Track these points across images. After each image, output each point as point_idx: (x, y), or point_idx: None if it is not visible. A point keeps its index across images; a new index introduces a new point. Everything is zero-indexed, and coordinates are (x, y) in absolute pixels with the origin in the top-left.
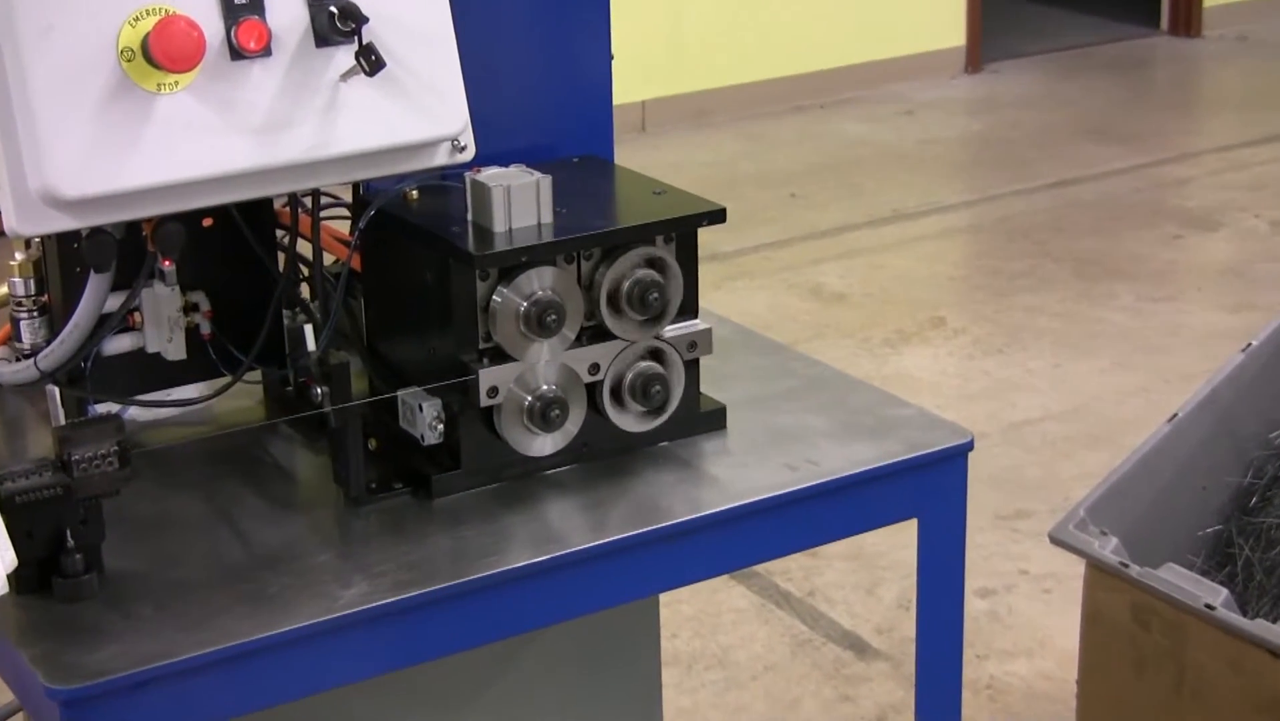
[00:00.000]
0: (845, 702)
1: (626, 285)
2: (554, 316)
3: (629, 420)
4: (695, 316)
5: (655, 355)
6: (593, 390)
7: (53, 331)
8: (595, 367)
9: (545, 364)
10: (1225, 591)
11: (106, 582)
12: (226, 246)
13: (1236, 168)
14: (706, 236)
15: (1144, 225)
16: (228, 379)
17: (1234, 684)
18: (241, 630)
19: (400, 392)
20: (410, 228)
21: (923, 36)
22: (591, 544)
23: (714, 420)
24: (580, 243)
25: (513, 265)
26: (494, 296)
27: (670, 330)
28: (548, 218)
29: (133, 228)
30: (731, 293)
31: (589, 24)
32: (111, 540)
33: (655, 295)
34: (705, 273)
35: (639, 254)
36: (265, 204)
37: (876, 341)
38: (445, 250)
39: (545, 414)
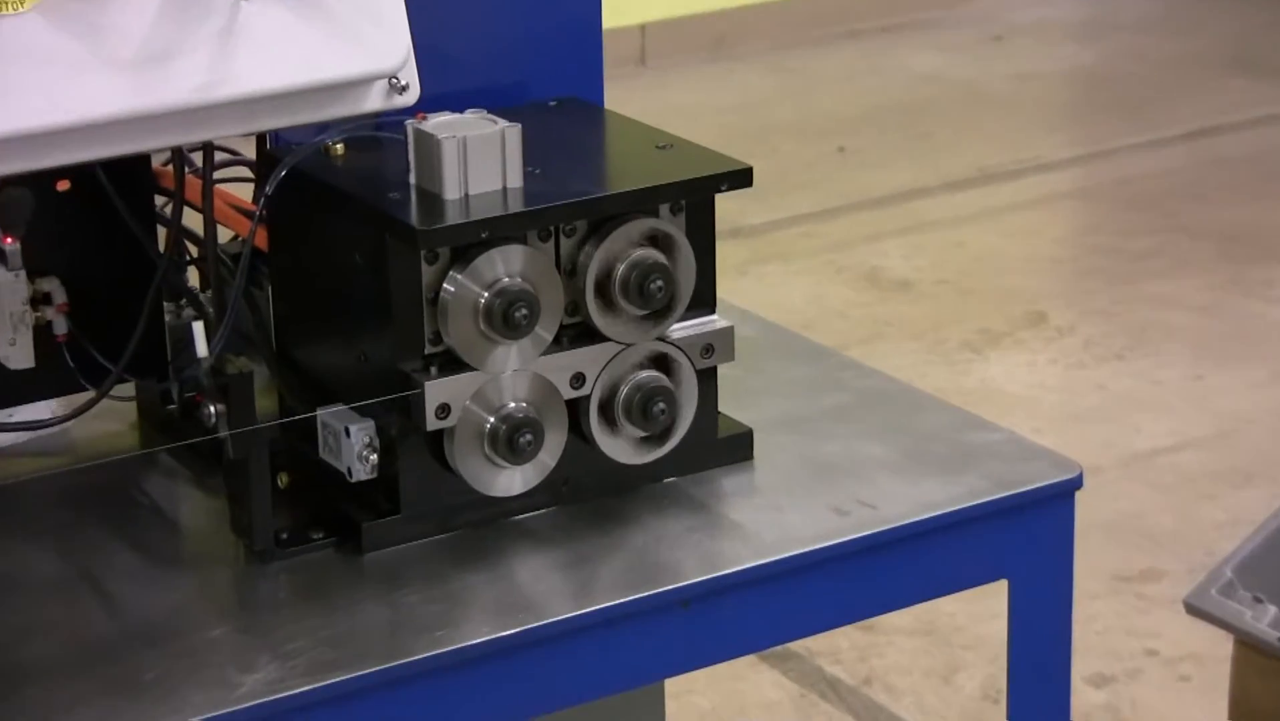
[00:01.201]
0: None
1: (621, 270)
2: (524, 311)
3: (624, 449)
4: (712, 311)
5: (659, 362)
6: (576, 409)
7: None
8: (579, 379)
9: (513, 374)
10: None
11: None
12: (89, 219)
13: None
14: (727, 205)
15: None
16: (90, 394)
17: None
18: None
19: (320, 412)
20: (333, 194)
21: None
22: (574, 613)
23: (737, 449)
24: (559, 213)
25: (469, 243)
26: (445, 285)
27: (679, 329)
28: (516, 180)
29: None
30: (760, 280)
31: None
32: None
33: (659, 283)
34: (725, 253)
35: (637, 228)
36: (141, 162)
37: (953, 344)
38: (380, 223)
39: (513, 440)
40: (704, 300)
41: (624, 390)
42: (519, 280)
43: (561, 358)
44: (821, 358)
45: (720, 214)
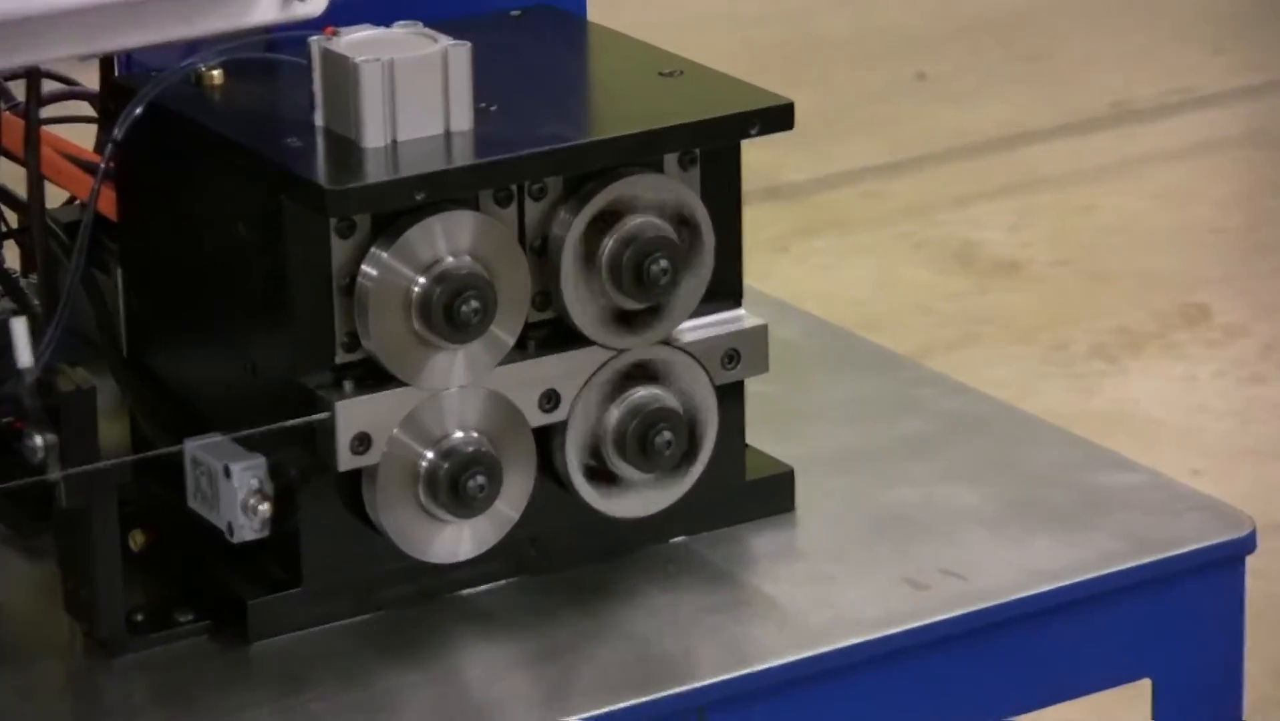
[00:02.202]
0: None
1: (610, 246)
2: (475, 304)
3: (615, 496)
4: (737, 304)
5: (664, 376)
6: (548, 441)
7: None
8: (552, 399)
9: (460, 392)
10: None
11: None
12: None
13: None
14: (760, 155)
15: None
16: None
17: None
18: None
19: (190, 445)
20: (207, 139)
21: None
22: None
23: (773, 496)
24: (525, 167)
25: (398, 209)
26: (364, 267)
27: (692, 330)
28: (463, 121)
29: None
30: (807, 259)
31: None
32: None
33: (663, 264)
34: (758, 223)
35: (634, 189)
36: None
37: (1079, 349)
38: (272, 180)
39: (459, 485)
40: (727, 288)
41: (615, 414)
42: (468, 260)
43: (527, 368)
44: (891, 369)
45: (750, 167)
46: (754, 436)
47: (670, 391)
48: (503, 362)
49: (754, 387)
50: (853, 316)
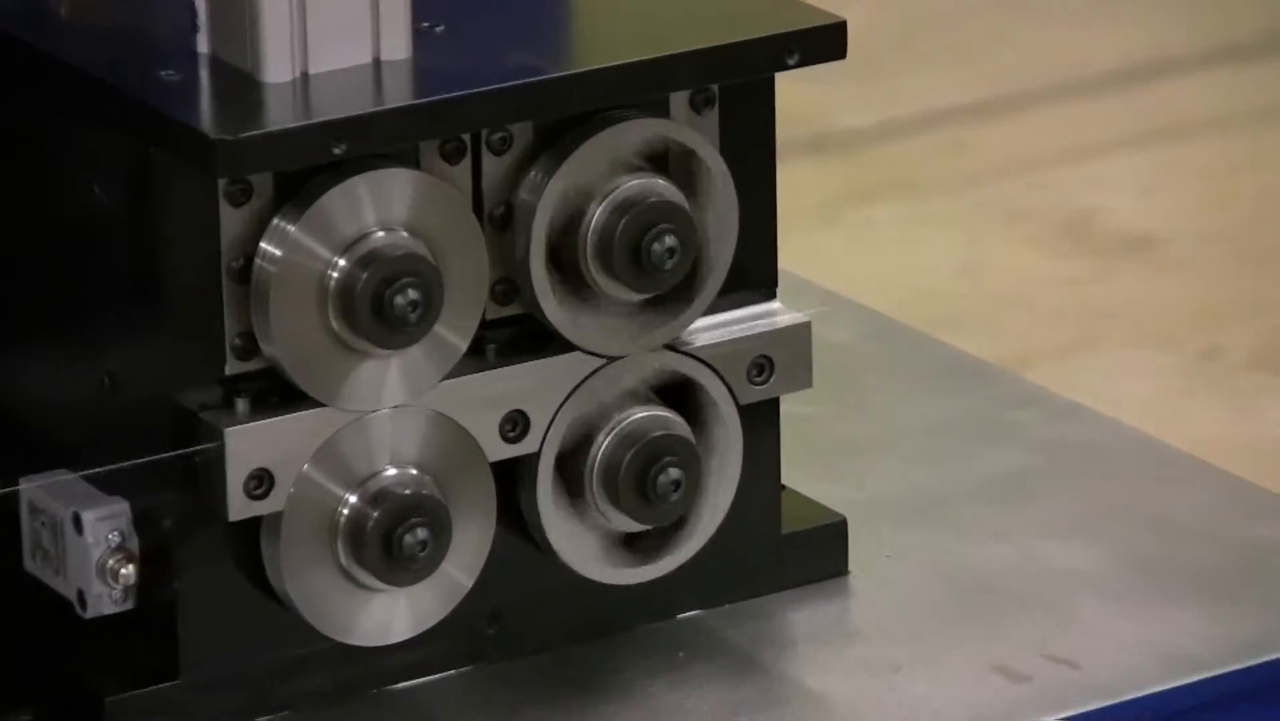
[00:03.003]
0: None
1: (598, 217)
2: (414, 295)
3: (606, 555)
4: (771, 294)
5: (671, 392)
6: (514, 480)
7: None
8: (519, 424)
9: (394, 414)
10: None
11: None
12: None
13: None
14: (801, 93)
15: None
16: None
17: None
18: None
19: (27, 485)
20: (52, 72)
21: None
22: None
23: (818, 556)
24: (482, 110)
25: (310, 166)
26: (266, 245)
27: (709, 330)
28: (399, 47)
29: None
30: (865, 234)
31: None
32: None
33: (669, 242)
34: (800, 184)
35: (628, 138)
36: None
37: (1235, 357)
38: (140, 126)
39: (392, 540)
40: (755, 274)
41: (605, 445)
42: (404, 237)
43: (485, 383)
44: (978, 383)
45: (788, 110)
46: (793, 475)
47: (679, 413)
48: (451, 375)
49: (793, 408)
50: (927, 312)
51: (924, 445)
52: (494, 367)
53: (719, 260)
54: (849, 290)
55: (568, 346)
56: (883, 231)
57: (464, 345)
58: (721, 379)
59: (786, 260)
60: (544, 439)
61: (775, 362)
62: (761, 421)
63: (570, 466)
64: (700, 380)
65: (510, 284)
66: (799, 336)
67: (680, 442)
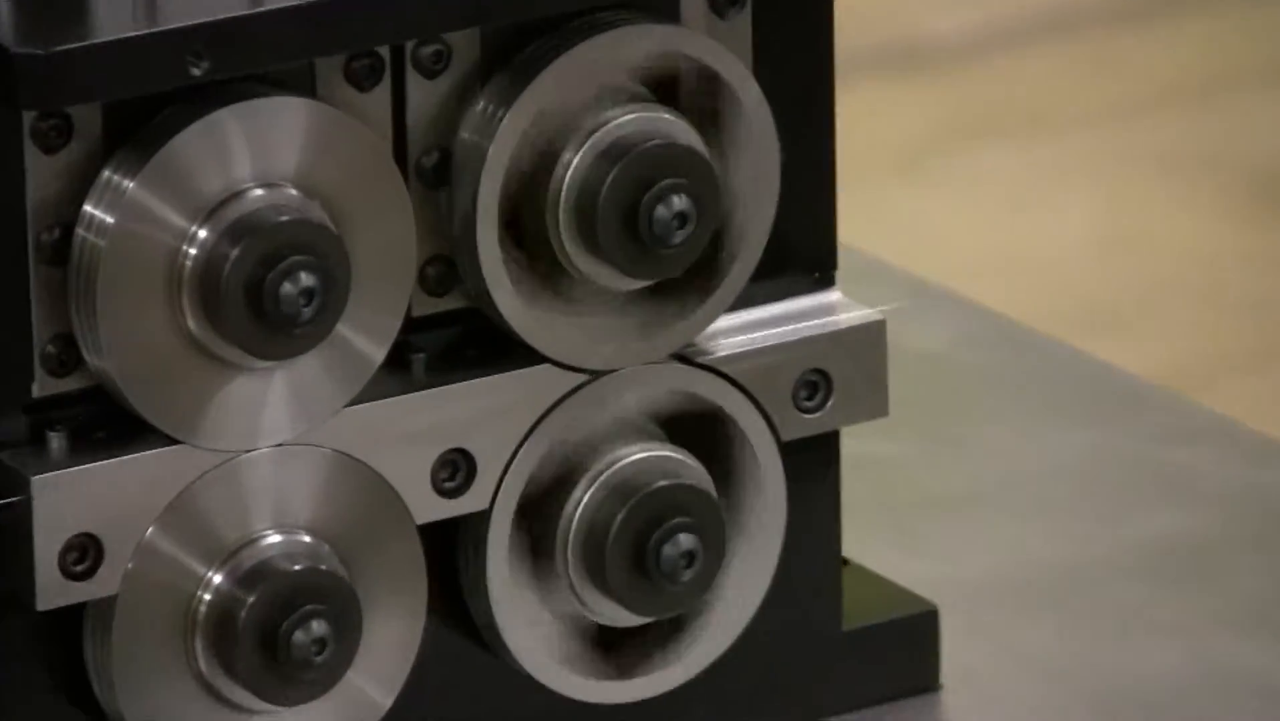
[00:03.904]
0: None
1: (579, 170)
2: (307, 282)
3: (590, 662)
4: (829, 281)
5: (684, 424)
6: (454, 551)
7: None
8: (459, 469)
9: (278, 455)
10: None
11: None
12: None
13: None
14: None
15: None
16: None
17: None
18: None
19: None
20: None
21: None
22: None
23: (896, 659)
24: (405, 10)
25: (158, 95)
26: (91, 209)
27: (739, 333)
28: None
29: None
30: (963, 190)
31: None
32: None
33: (680, 204)
34: (875, 118)
35: (624, 52)
36: None
37: None
38: None
39: (276, 638)
40: (805, 251)
41: (585, 501)
42: (292, 195)
43: (411, 409)
44: (1130, 408)
45: (855, 9)
46: (860, 543)
47: (695, 455)
48: (361, 398)
49: (861, 446)
50: (1054, 305)
51: (1049, 500)
52: (424, 388)
53: (752, 231)
54: (942, 273)
55: (532, 357)
56: (990, 186)
57: (380, 354)
58: (756, 404)
59: (851, 229)
60: (496, 491)
61: (834, 380)
62: (814, 466)
63: (534, 531)
64: (725, 406)
65: (447, 265)
66: (869, 342)
67: (695, 497)
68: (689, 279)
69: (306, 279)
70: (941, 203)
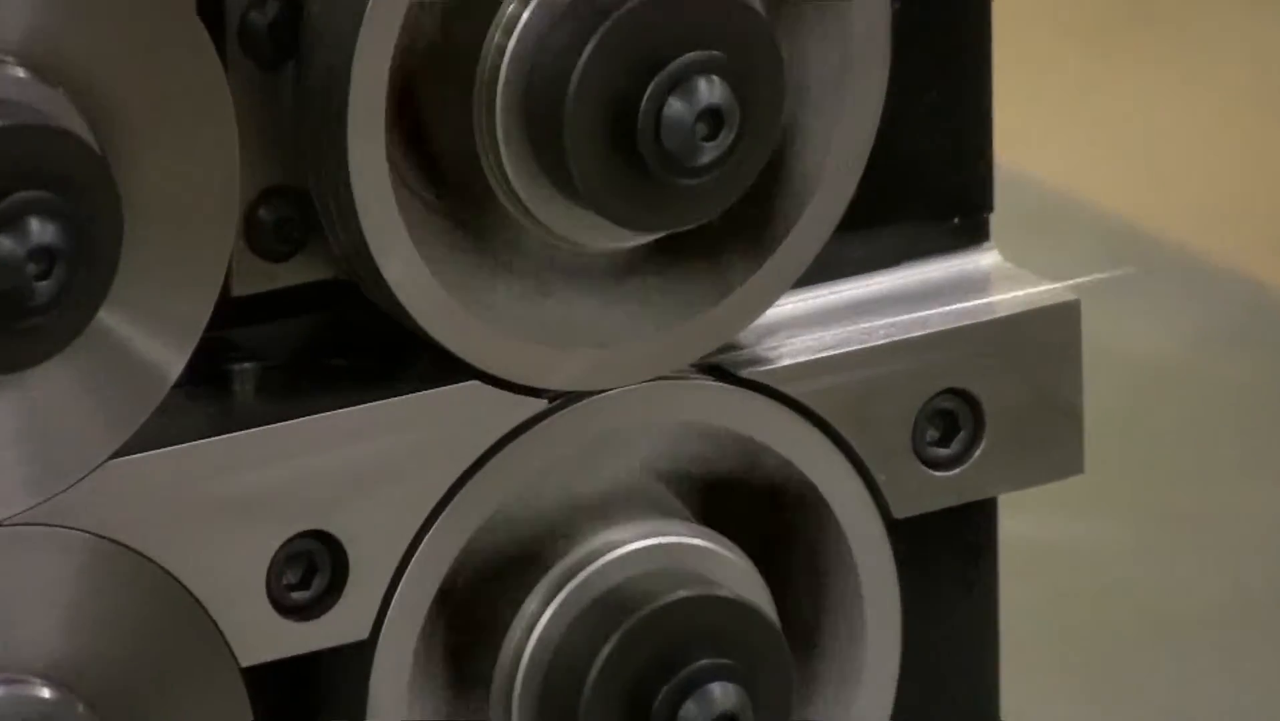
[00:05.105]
0: None
1: (528, 28)
2: (47, 237)
3: None
4: (977, 232)
5: (719, 490)
6: (308, 702)
7: None
8: (319, 565)
9: (3, 541)
10: None
11: None
12: None
13: None
14: None
15: None
16: None
17: None
18: None
19: None
20: None
21: None
22: None
23: None
24: None
25: None
26: None
27: (810, 326)
28: None
29: None
30: (1185, 77)
31: None
32: None
33: (713, 94)
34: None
35: None
36: None
37: None
38: None
39: None
40: (935, 181)
41: (542, 625)
42: (19, 80)
43: (230, 456)
44: None
45: None
46: (1033, 697)
47: (737, 544)
48: (139, 444)
49: (1039, 529)
50: None
51: None
52: (254, 424)
53: (838, 151)
54: (1171, 220)
55: (448, 369)
56: (1236, 69)
57: (175, 364)
58: (847, 453)
59: (1021, 148)
60: (384, 607)
61: (985, 411)
62: (951, 563)
63: (452, 676)
64: (792, 456)
65: (294, 205)
66: (1049, 342)
67: (737, 618)
68: (727, 234)
69: (39, 232)
70: (1163, 100)
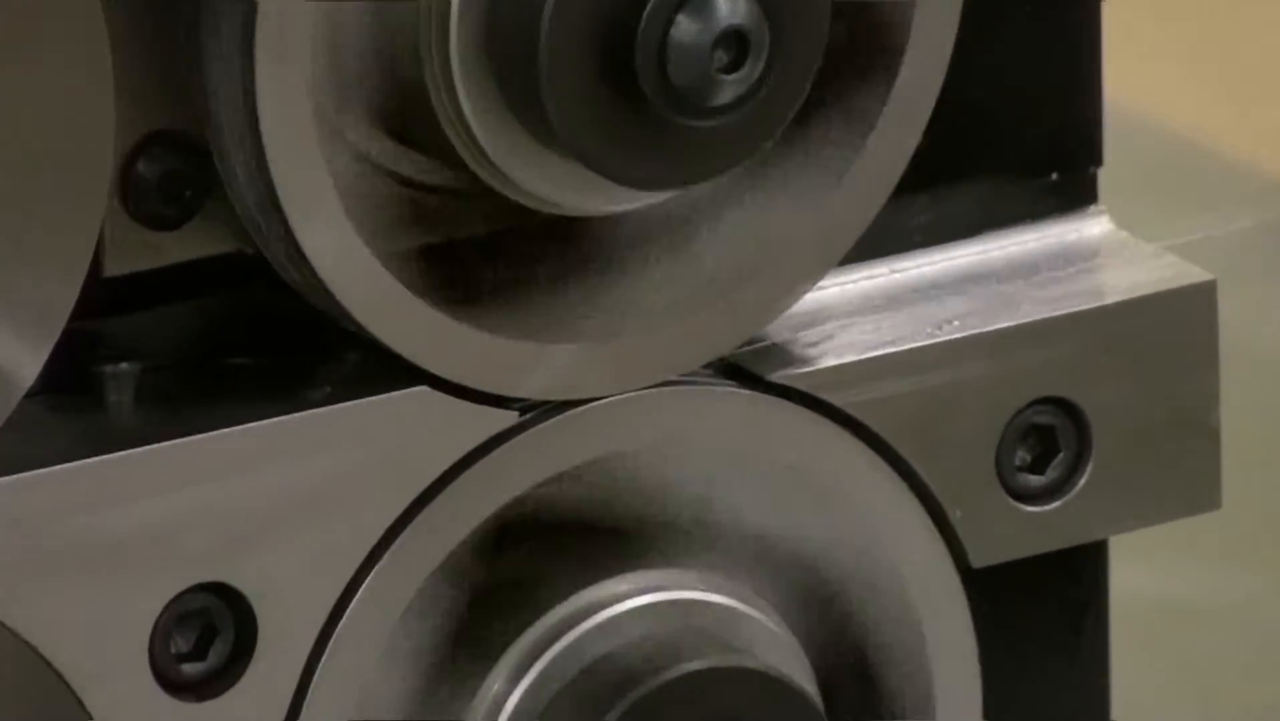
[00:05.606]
0: None
1: None
2: None
3: None
4: (1082, 192)
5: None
6: None
7: None
8: (219, 628)
9: None
10: None
11: None
12: None
13: None
14: None
15: None
16: None
17: None
18: None
19: None
20: None
21: None
22: None
23: None
24: None
25: None
26: None
27: (845, 318)
28: None
29: None
30: None
31: None
32: None
33: (738, 15)
34: None
35: None
36: None
37: None
38: None
39: None
40: (1032, 131)
41: (512, 704)
42: None
43: (101, 487)
44: None
45: None
46: None
47: (769, 601)
48: None
49: (1161, 582)
50: None
51: None
52: (132, 443)
53: (905, 89)
54: None
55: (390, 372)
56: None
57: (30, 367)
58: (913, 480)
59: (1146, 92)
60: (304, 683)
61: (1092, 427)
62: (1049, 619)
63: None
64: (840, 484)
65: (187, 150)
66: (1176, 338)
67: (769, 695)
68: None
69: None
70: None
